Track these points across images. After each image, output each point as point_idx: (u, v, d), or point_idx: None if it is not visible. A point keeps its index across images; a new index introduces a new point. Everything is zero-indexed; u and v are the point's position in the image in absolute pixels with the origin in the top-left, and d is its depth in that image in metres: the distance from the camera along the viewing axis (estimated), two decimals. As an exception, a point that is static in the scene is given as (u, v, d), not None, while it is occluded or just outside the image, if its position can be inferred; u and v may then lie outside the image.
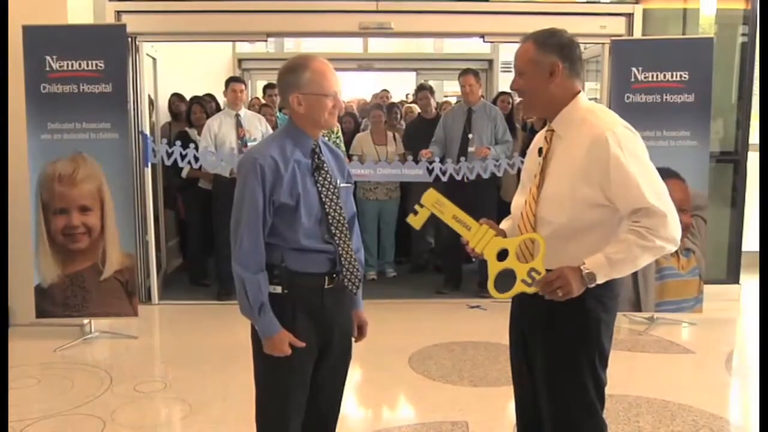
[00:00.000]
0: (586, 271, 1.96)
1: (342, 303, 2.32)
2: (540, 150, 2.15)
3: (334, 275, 2.25)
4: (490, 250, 2.10)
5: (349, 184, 2.38)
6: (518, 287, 2.06)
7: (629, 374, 4.22)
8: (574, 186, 2.01)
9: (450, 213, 2.14)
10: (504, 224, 2.29)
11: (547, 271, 2.02)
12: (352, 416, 3.65)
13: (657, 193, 1.97)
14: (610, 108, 4.78)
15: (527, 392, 2.25)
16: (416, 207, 2.16)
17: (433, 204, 2.14)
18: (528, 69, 2.10)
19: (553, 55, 2.07)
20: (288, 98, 2.22)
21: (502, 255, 2.11)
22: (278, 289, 2.19)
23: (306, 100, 2.19)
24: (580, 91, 2.13)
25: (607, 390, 2.17)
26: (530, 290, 2.04)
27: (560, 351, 2.09)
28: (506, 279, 2.09)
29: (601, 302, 2.06)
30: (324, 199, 2.22)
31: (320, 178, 2.24)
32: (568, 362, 2.08)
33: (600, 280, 1.97)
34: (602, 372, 2.12)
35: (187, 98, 6.61)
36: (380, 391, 3.97)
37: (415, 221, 2.17)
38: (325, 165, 2.26)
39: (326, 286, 2.24)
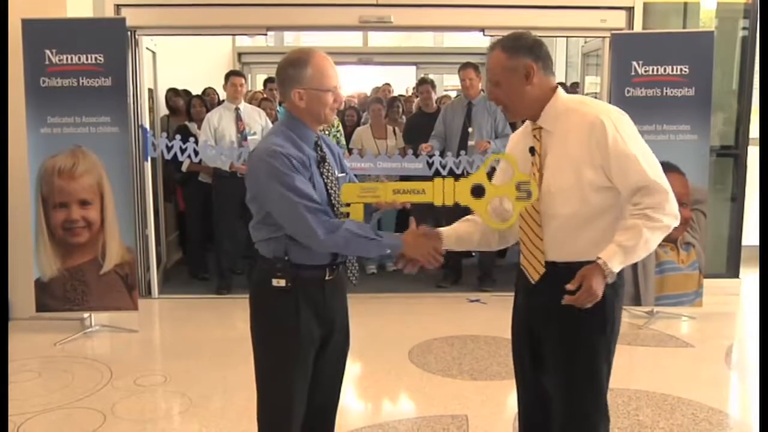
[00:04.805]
0: (601, 261, 1.96)
1: (340, 295, 2.34)
2: (532, 149, 2.14)
3: (335, 267, 2.26)
4: (461, 194, 2.01)
5: (345, 174, 2.38)
6: (517, 206, 2.03)
7: (629, 368, 4.22)
8: (577, 173, 2.02)
9: (387, 191, 2.05)
10: (461, 224, 2.30)
11: (564, 264, 2.03)
12: (352, 409, 3.65)
13: (656, 172, 2.00)
14: (610, 101, 4.85)
15: (531, 387, 2.25)
16: (342, 209, 2.13)
17: (359, 196, 2.06)
18: (503, 77, 2.10)
19: (524, 57, 2.07)
20: (289, 92, 2.20)
21: (478, 192, 2.03)
22: (282, 283, 2.19)
23: (307, 95, 2.19)
24: (557, 86, 2.14)
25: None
26: (530, 202, 2.02)
27: (580, 340, 2.08)
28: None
29: (614, 289, 2.07)
30: (330, 191, 2.23)
31: (324, 170, 2.24)
32: (587, 351, 2.09)
33: (616, 269, 1.98)
34: (612, 359, 2.14)
35: (186, 92, 6.59)
36: (380, 384, 3.98)
37: (355, 216, 2.13)
38: (327, 157, 2.28)
39: (327, 278, 2.25)
